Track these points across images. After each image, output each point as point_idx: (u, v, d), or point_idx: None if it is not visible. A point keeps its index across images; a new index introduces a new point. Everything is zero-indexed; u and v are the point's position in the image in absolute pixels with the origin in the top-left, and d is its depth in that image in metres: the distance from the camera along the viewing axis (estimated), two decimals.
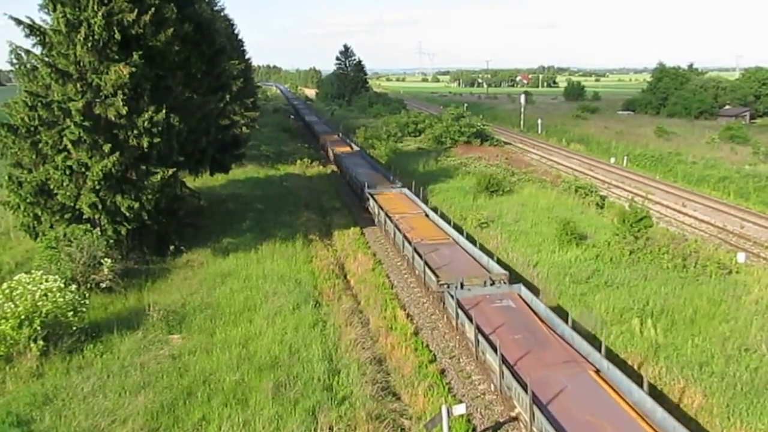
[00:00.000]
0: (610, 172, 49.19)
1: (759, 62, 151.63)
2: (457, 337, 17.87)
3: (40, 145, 20.52)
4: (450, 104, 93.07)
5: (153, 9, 20.53)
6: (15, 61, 21.52)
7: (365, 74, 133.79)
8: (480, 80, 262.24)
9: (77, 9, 19.70)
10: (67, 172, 20.01)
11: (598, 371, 13.75)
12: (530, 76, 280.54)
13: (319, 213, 33.77)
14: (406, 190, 33.67)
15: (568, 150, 62.07)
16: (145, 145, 20.55)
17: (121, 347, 16.19)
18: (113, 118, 20.11)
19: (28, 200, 20.69)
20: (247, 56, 58.71)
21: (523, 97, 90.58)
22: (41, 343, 15.20)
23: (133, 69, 19.84)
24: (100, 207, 20.15)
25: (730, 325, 17.92)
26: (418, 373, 15.73)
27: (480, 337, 15.51)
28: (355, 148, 53.41)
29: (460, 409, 12.47)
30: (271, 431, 12.68)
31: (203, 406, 13.48)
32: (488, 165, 46.98)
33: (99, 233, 20.64)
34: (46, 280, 16.34)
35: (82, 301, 16.85)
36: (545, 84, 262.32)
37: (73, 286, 17.03)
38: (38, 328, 15.17)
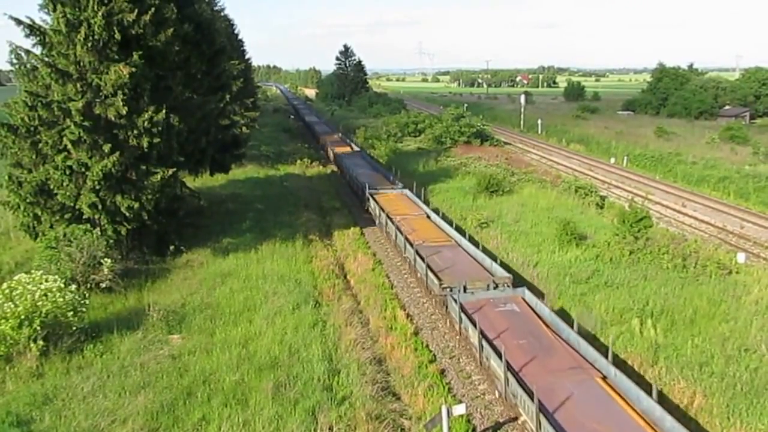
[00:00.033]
0: (610, 172, 49.20)
1: (759, 62, 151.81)
2: (457, 337, 17.81)
3: (40, 145, 20.53)
4: (450, 104, 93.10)
5: (153, 9, 20.53)
6: (15, 61, 21.53)
7: (365, 74, 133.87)
8: (480, 80, 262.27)
9: (77, 9, 19.71)
10: (67, 172, 20.01)
11: (605, 378, 13.46)
12: (530, 77, 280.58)
13: (319, 213, 33.77)
14: (407, 191, 33.47)
15: (568, 150, 62.08)
16: (145, 145, 20.55)
17: (121, 347, 16.19)
18: (113, 118, 20.11)
19: (28, 200, 20.69)
20: (247, 56, 58.75)
21: (523, 98, 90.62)
22: (41, 343, 15.20)
23: (133, 69, 19.85)
24: (100, 207, 20.15)
25: (729, 326, 17.91)
26: (418, 373, 15.72)
27: (484, 343, 15.23)
28: (356, 148, 53.38)
29: (459, 410, 12.46)
30: (270, 431, 12.68)
31: (203, 406, 13.48)
32: (488, 165, 46.97)
33: (99, 233, 20.63)
34: (46, 280, 16.33)
35: (82, 301, 16.84)
36: (545, 84, 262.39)
37: (73, 286, 17.02)
38: (38, 328, 15.16)
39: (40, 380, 14.50)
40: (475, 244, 23.15)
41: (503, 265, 21.30)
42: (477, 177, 39.22)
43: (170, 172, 21.32)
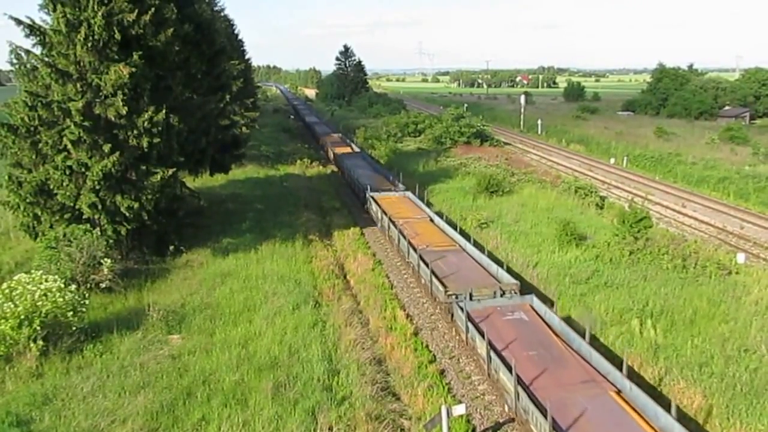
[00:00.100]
0: (609, 172, 49.21)
1: (759, 63, 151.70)
2: (458, 340, 17.70)
3: (40, 145, 20.53)
4: (450, 104, 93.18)
5: (153, 9, 20.53)
6: (15, 61, 21.52)
7: (365, 74, 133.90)
8: (480, 81, 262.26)
9: (77, 9, 19.71)
10: (67, 172, 20.01)
11: (619, 392, 12.91)
12: (530, 77, 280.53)
13: (319, 213, 33.77)
14: (409, 194, 33.07)
15: (567, 150, 62.09)
16: (145, 145, 20.55)
17: (121, 347, 16.19)
18: (113, 118, 20.12)
19: (28, 200, 20.69)
20: (247, 56, 58.77)
21: (522, 98, 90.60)
22: (41, 343, 15.20)
23: (133, 69, 19.85)
24: (99, 207, 20.15)
25: (729, 326, 17.92)
26: (417, 374, 15.73)
27: (493, 354, 14.62)
28: (356, 149, 53.27)
29: (459, 410, 12.46)
30: (270, 431, 12.68)
31: (203, 406, 13.48)
32: (488, 165, 46.97)
33: (99, 233, 20.64)
34: (46, 280, 16.34)
35: (82, 301, 16.84)
36: (545, 84, 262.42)
37: (73, 286, 17.02)
38: (38, 328, 15.16)
39: (40, 380, 14.50)
40: (480, 248, 22.50)
41: (507, 269, 21.18)
42: (477, 177, 39.22)
43: (170, 172, 21.32)
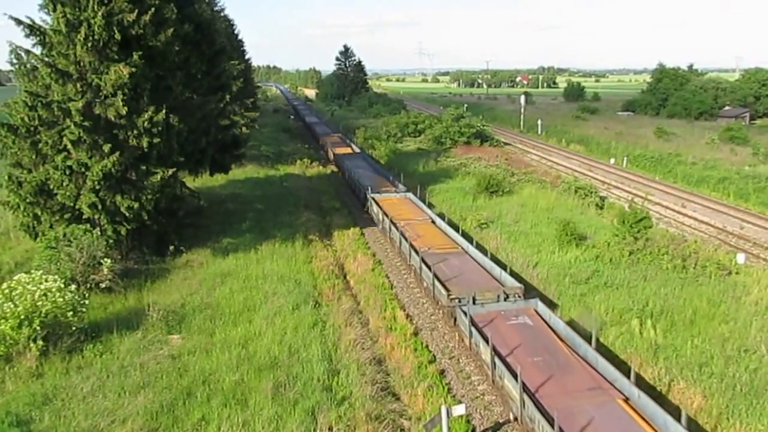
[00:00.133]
0: (609, 172, 49.22)
1: (759, 63, 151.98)
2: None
3: (40, 145, 20.52)
4: (450, 105, 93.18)
5: (153, 9, 20.53)
6: (15, 61, 21.51)
7: (365, 75, 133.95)
8: (480, 81, 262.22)
9: (77, 9, 19.71)
10: (67, 172, 20.01)
11: (627, 400, 12.63)
12: (530, 77, 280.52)
13: (319, 213, 33.77)
14: (410, 195, 32.94)
15: (567, 151, 62.10)
16: (145, 145, 20.55)
17: (121, 347, 16.19)
18: (113, 118, 20.12)
19: (27, 200, 20.69)
20: (247, 56, 58.81)
21: (522, 98, 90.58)
22: (41, 343, 15.20)
23: (133, 69, 19.85)
24: (99, 207, 20.14)
25: (729, 326, 17.92)
26: (417, 374, 15.72)
27: (497, 360, 14.39)
28: (356, 149, 53.26)
29: (459, 410, 12.47)
30: (270, 431, 12.68)
31: (203, 406, 13.48)
32: (488, 165, 46.96)
33: (99, 233, 20.64)
34: (46, 280, 16.33)
35: (82, 301, 16.83)
36: (545, 85, 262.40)
37: (73, 286, 17.01)
38: (38, 328, 15.16)
39: (40, 380, 14.50)
40: (483, 250, 22.30)
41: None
42: (477, 177, 39.22)
43: (170, 172, 21.32)
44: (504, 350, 15.04)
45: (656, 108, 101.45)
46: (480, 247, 23.05)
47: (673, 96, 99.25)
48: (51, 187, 20.40)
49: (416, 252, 22.24)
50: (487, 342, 14.84)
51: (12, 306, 15.15)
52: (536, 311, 17.31)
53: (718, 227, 32.56)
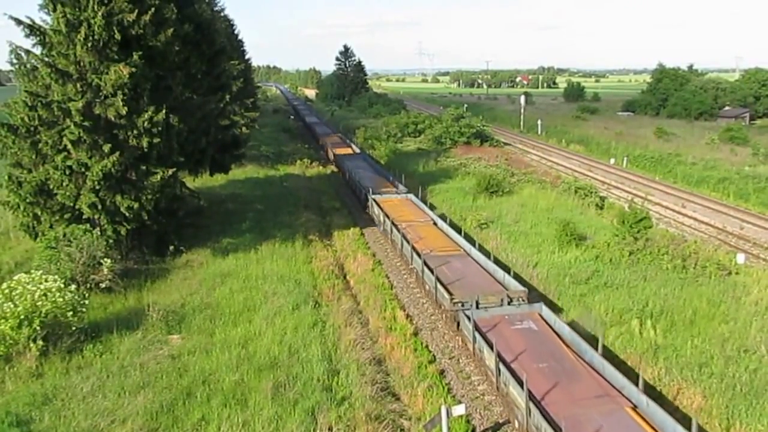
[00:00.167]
0: (609, 173, 49.23)
1: (759, 63, 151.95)
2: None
3: (40, 145, 20.53)
4: (450, 105, 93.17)
5: (153, 9, 20.53)
6: (15, 61, 21.52)
7: (365, 75, 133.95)
8: (480, 81, 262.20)
9: (77, 9, 19.71)
10: (67, 172, 20.01)
11: (635, 408, 12.32)
12: (530, 77, 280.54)
13: (319, 213, 33.77)
14: (411, 196, 32.80)
15: (567, 151, 62.11)
16: (145, 145, 20.55)
17: (121, 347, 16.19)
18: (113, 118, 20.12)
19: (27, 200, 20.69)
20: (247, 56, 58.78)
21: (522, 98, 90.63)
22: (41, 343, 15.19)
23: (133, 69, 19.85)
24: (99, 207, 20.14)
25: (729, 326, 17.92)
26: (417, 374, 15.73)
27: (502, 367, 14.06)
28: (356, 149, 53.23)
29: (459, 410, 12.46)
30: (270, 431, 12.68)
31: (203, 406, 13.48)
32: (488, 166, 46.98)
33: (99, 233, 20.64)
34: (46, 280, 16.33)
35: (82, 301, 16.83)
36: (545, 85, 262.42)
37: (73, 286, 17.01)
38: (38, 328, 15.16)
39: (40, 380, 14.50)
40: (486, 253, 22.00)
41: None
42: (477, 177, 39.24)
43: (170, 172, 21.32)
44: (508, 356, 14.73)
45: (656, 108, 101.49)
46: (482, 250, 22.83)
47: (673, 96, 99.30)
48: (51, 187, 20.40)
49: (418, 254, 22.07)
50: (491, 348, 14.56)
51: (12, 306, 15.15)
52: (541, 315, 17.02)
53: (718, 227, 32.56)
